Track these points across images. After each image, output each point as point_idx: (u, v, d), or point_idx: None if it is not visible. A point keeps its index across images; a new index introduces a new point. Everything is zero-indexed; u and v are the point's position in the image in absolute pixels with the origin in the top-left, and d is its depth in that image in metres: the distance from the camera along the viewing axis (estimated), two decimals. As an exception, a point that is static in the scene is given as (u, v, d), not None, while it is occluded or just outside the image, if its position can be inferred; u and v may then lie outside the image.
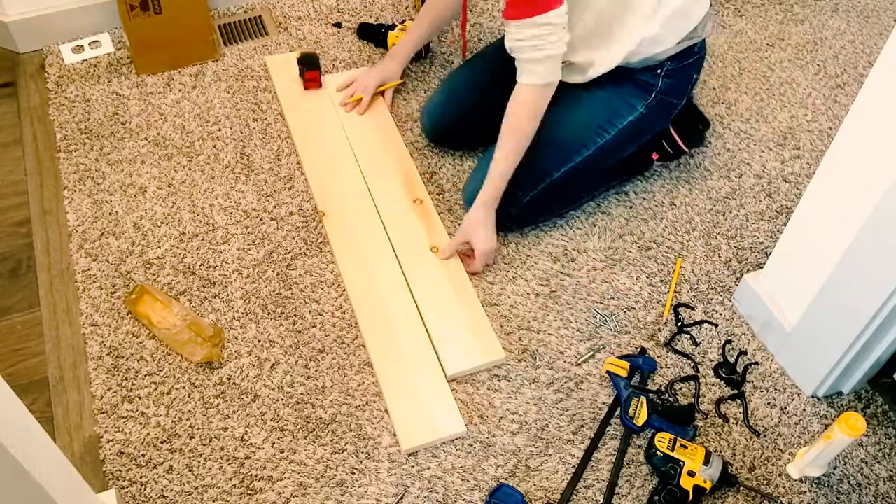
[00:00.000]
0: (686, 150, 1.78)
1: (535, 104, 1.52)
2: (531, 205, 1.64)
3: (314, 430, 1.43)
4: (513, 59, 1.52)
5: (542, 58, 1.45)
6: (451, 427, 1.40)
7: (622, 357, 1.51)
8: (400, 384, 1.46)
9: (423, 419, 1.41)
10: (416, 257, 1.63)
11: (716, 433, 1.43)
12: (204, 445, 1.40)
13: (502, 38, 1.58)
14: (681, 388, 1.49)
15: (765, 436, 1.43)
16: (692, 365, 1.52)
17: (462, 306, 1.56)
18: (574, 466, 1.39)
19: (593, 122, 1.64)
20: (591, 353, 1.54)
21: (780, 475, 1.39)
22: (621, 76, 1.62)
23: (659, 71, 1.62)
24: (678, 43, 1.58)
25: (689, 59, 1.63)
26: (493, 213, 1.60)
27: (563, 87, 1.57)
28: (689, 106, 1.79)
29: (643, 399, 1.43)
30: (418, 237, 1.67)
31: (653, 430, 1.39)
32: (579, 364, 1.52)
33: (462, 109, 1.78)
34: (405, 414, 1.42)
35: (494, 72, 1.69)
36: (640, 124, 1.65)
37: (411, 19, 2.14)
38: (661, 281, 1.65)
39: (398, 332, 1.52)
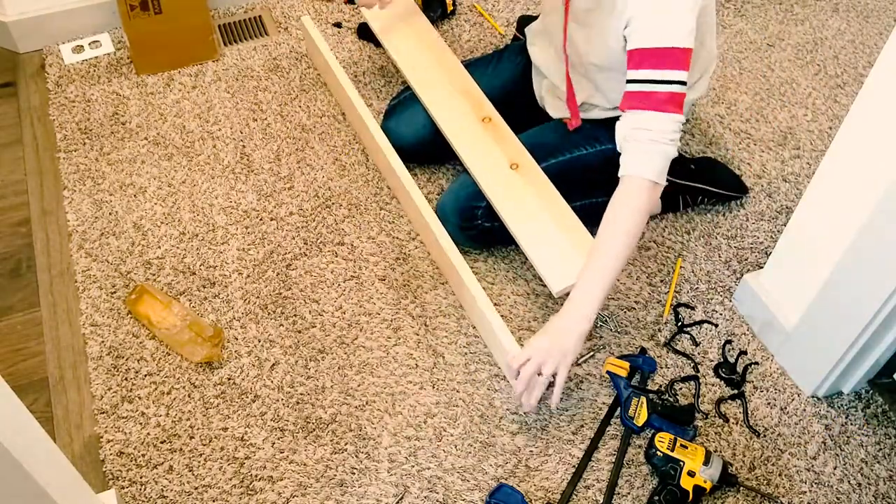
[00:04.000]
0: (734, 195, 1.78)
1: (650, 205, 1.36)
2: None
3: (314, 430, 1.43)
4: None
5: (669, 154, 1.35)
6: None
7: (622, 357, 1.51)
8: (534, 234, 1.52)
9: (565, 262, 1.47)
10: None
11: (716, 433, 1.43)
12: (204, 445, 1.40)
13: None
14: (681, 388, 1.49)
15: (765, 436, 1.43)
16: (692, 365, 1.52)
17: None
18: (574, 466, 1.39)
19: (574, 137, 1.64)
20: (591, 353, 1.54)
21: (780, 475, 1.39)
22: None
23: None
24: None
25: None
26: (581, 332, 1.35)
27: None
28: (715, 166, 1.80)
29: (643, 399, 1.43)
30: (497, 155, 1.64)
31: (653, 430, 1.39)
32: (579, 364, 1.52)
33: (432, 131, 1.74)
34: (547, 259, 1.48)
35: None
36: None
37: (411, 19, 2.15)
38: (661, 281, 1.65)
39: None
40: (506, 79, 1.77)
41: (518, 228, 1.54)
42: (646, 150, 1.34)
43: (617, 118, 1.59)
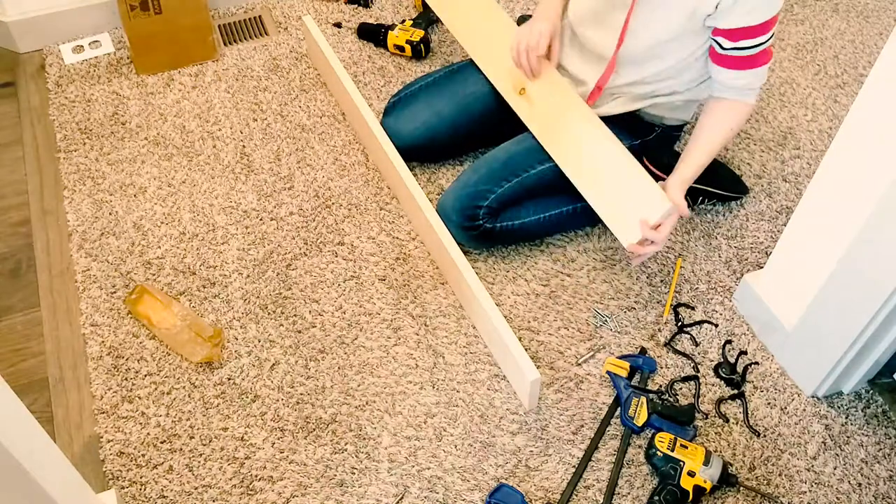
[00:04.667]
0: (733, 196, 1.79)
1: (743, 118, 1.56)
2: (500, 199, 1.62)
3: (314, 430, 1.43)
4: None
5: (761, 85, 1.53)
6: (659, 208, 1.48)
7: (622, 357, 1.51)
8: (602, 193, 1.54)
9: (634, 216, 1.49)
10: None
11: (716, 433, 1.43)
12: (204, 445, 1.40)
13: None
14: (681, 388, 1.49)
15: (765, 436, 1.43)
16: (692, 365, 1.52)
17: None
18: (574, 466, 1.39)
19: None
20: (591, 353, 1.54)
21: (780, 475, 1.39)
22: (621, 119, 1.64)
23: (657, 129, 1.68)
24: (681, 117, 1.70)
25: (676, 129, 1.74)
26: (681, 197, 1.55)
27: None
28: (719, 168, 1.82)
29: (643, 399, 1.43)
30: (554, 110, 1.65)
31: (653, 430, 1.39)
32: (579, 364, 1.52)
33: (431, 130, 1.75)
34: (617, 215, 1.51)
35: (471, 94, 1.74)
36: None
37: (411, 19, 2.15)
38: (661, 281, 1.65)
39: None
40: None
41: (584, 185, 1.56)
42: (745, 95, 1.52)
43: (618, 117, 1.60)
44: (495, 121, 1.75)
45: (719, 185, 1.75)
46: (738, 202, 1.79)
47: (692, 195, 1.74)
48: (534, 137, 1.65)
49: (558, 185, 1.61)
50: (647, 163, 1.70)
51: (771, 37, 1.43)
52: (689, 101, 1.64)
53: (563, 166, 1.60)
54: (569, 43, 1.66)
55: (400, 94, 1.81)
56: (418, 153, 1.80)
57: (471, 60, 1.81)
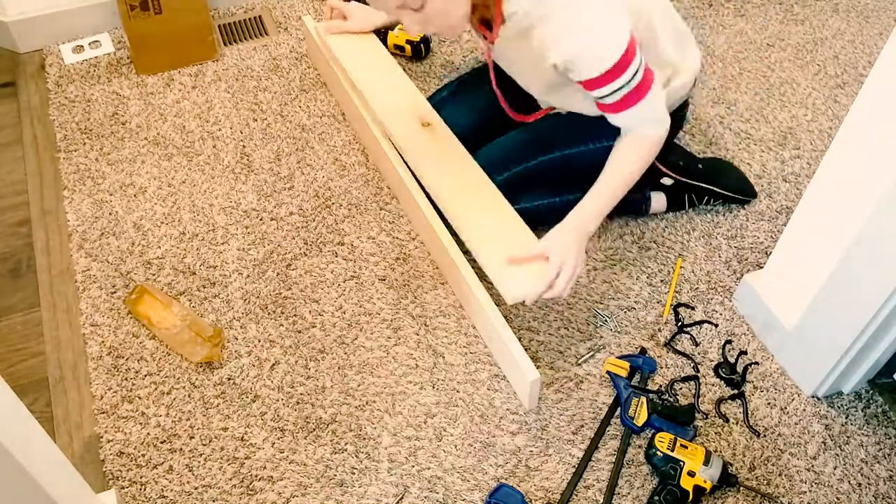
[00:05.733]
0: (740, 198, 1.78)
1: (653, 150, 1.50)
2: (503, 186, 1.60)
3: (314, 430, 1.43)
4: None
5: (661, 112, 1.48)
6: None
7: (622, 357, 1.51)
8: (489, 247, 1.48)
9: (521, 272, 1.42)
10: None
11: (716, 433, 1.43)
12: (204, 445, 1.40)
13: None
14: (681, 388, 1.49)
15: (765, 436, 1.43)
16: (692, 365, 1.52)
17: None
18: (574, 466, 1.39)
19: (579, 132, 1.64)
20: (591, 353, 1.54)
21: (780, 475, 1.39)
22: None
23: None
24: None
25: (675, 117, 1.70)
26: (583, 244, 1.45)
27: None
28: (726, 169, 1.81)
29: (643, 399, 1.43)
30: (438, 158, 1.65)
31: (653, 430, 1.39)
32: (579, 364, 1.52)
33: (482, 128, 1.74)
34: (503, 270, 1.43)
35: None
36: None
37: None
38: (661, 281, 1.65)
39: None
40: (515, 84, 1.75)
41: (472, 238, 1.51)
42: (647, 125, 1.48)
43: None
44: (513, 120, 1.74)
45: (726, 186, 1.75)
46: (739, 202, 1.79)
47: (698, 194, 1.74)
48: (535, 129, 1.65)
49: (562, 175, 1.63)
50: (654, 160, 1.71)
51: (630, 78, 1.38)
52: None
53: (447, 209, 1.57)
54: None
55: (436, 96, 1.79)
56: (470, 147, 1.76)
57: (456, 86, 1.80)
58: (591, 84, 1.39)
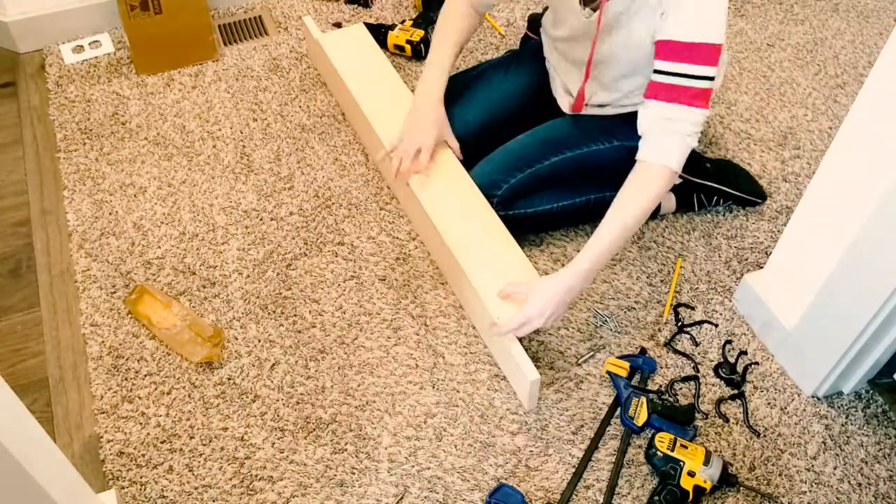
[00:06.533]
0: (753, 199, 1.77)
1: (663, 190, 1.39)
2: (513, 189, 1.62)
3: (314, 430, 1.43)
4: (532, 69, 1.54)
5: (688, 146, 1.37)
6: None
7: (622, 357, 1.51)
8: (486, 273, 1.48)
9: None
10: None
11: (716, 433, 1.43)
12: (204, 445, 1.40)
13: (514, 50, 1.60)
14: (681, 388, 1.49)
15: (765, 436, 1.43)
16: (692, 365, 1.52)
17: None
18: (574, 466, 1.39)
19: (589, 132, 1.64)
20: (591, 353, 1.54)
21: (780, 475, 1.39)
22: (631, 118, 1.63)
23: None
24: None
25: None
26: (567, 296, 1.40)
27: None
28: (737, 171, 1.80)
29: (643, 399, 1.43)
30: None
31: (653, 431, 1.39)
32: (579, 364, 1.52)
33: (491, 126, 1.73)
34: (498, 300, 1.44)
35: (521, 84, 1.73)
36: (634, 152, 1.65)
37: (411, 19, 2.15)
38: (661, 281, 1.65)
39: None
40: (526, 81, 1.75)
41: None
42: (671, 140, 1.36)
43: (630, 114, 1.59)
44: (524, 117, 1.73)
45: (738, 187, 1.74)
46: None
47: (707, 195, 1.74)
48: (546, 131, 1.65)
49: (571, 177, 1.63)
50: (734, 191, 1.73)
51: (700, 76, 1.33)
52: None
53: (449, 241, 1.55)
54: (555, 53, 1.67)
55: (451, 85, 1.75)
56: (479, 144, 1.73)
57: (488, 65, 1.80)
58: (671, 48, 1.33)
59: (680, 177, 1.71)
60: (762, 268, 1.58)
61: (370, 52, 1.91)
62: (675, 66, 1.34)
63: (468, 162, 1.69)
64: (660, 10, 1.36)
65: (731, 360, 1.53)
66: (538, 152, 1.63)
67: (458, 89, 1.76)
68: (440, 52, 1.64)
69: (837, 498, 1.36)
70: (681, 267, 1.67)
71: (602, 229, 1.38)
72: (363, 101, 1.79)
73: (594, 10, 1.46)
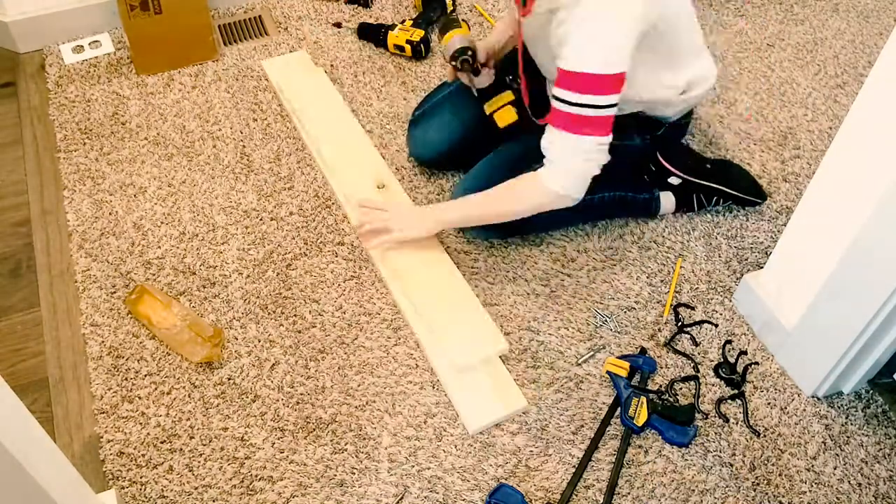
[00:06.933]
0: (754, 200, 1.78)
1: (540, 204, 1.48)
2: None
3: (314, 430, 1.43)
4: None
5: (580, 172, 1.42)
6: (514, 403, 1.43)
7: (622, 357, 1.51)
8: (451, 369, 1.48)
9: (484, 399, 1.44)
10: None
11: (716, 433, 1.43)
12: (204, 445, 1.40)
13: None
14: (681, 388, 1.49)
15: (765, 436, 1.43)
16: (692, 365, 1.52)
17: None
18: (574, 466, 1.39)
19: None
20: (591, 353, 1.54)
21: (780, 475, 1.39)
22: (628, 118, 1.64)
23: (665, 125, 1.68)
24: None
25: (683, 121, 1.72)
26: (429, 225, 1.59)
27: None
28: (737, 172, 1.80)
29: (643, 399, 1.43)
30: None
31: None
32: (579, 364, 1.52)
33: (459, 138, 1.75)
34: (465, 397, 1.44)
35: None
36: (630, 152, 1.65)
37: (411, 19, 2.15)
38: (661, 281, 1.65)
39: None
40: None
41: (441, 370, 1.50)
42: (563, 167, 1.42)
43: (633, 114, 1.59)
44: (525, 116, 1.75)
45: (738, 188, 1.74)
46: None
47: (707, 195, 1.74)
48: (530, 139, 1.66)
49: None
50: (661, 159, 1.71)
51: (590, 105, 1.34)
52: (675, 100, 1.61)
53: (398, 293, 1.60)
54: None
55: (424, 105, 1.80)
56: (447, 163, 1.80)
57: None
58: (563, 77, 1.36)
59: (680, 177, 1.72)
60: (762, 268, 1.58)
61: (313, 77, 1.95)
62: (565, 93, 1.36)
63: (466, 164, 1.71)
64: (559, 33, 1.37)
65: (731, 360, 1.53)
66: (539, 153, 1.63)
67: (458, 90, 1.77)
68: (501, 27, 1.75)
69: (837, 498, 1.36)
70: (681, 267, 1.67)
71: (477, 199, 1.52)
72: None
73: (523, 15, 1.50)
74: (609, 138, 1.39)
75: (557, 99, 1.38)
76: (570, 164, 1.41)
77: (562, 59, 1.36)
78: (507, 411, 1.42)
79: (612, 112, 1.37)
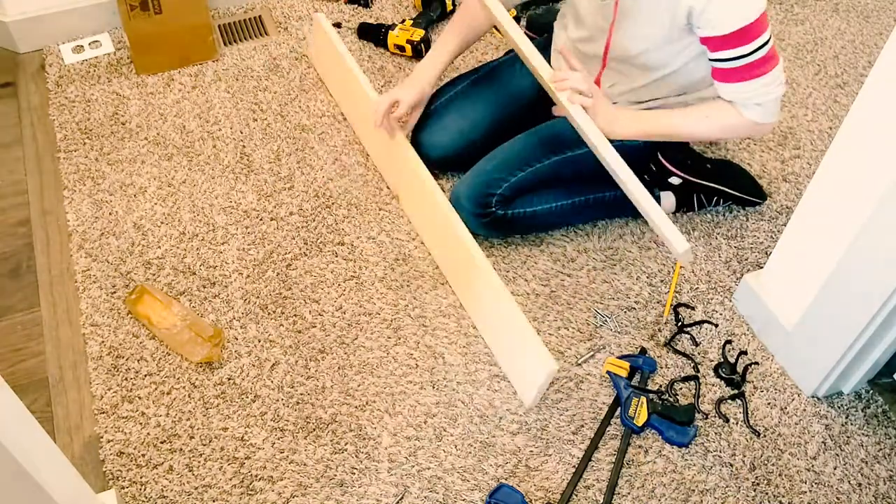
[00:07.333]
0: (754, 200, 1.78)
1: (737, 132, 1.52)
2: (512, 188, 1.61)
3: (314, 430, 1.43)
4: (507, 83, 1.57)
5: (773, 101, 1.44)
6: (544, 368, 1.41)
7: (622, 357, 1.51)
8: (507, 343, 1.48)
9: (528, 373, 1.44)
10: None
11: (716, 433, 1.43)
12: (204, 445, 1.40)
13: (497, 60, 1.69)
14: (681, 388, 1.49)
15: (765, 436, 1.43)
16: (692, 365, 1.52)
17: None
18: (574, 466, 1.39)
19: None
20: (591, 353, 1.54)
21: (780, 475, 1.39)
22: None
23: None
24: None
25: None
26: (617, 127, 1.50)
27: None
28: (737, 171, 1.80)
29: (643, 399, 1.43)
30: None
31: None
32: (579, 364, 1.52)
33: (466, 139, 1.74)
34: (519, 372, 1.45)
35: (497, 96, 1.74)
36: (631, 152, 1.64)
37: (411, 19, 2.15)
38: (661, 281, 1.65)
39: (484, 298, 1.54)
40: (532, 80, 1.74)
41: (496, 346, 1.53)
42: (755, 104, 1.43)
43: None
44: (531, 116, 1.73)
45: (738, 187, 1.74)
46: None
47: (707, 195, 1.73)
48: (550, 128, 1.65)
49: (571, 177, 1.63)
50: (661, 159, 1.71)
51: (757, 48, 1.36)
52: (700, 99, 1.62)
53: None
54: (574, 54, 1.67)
55: (429, 106, 1.78)
56: (453, 164, 1.79)
57: (504, 59, 1.80)
58: (718, 42, 1.36)
59: (680, 177, 1.72)
60: (762, 268, 1.58)
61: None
62: (730, 52, 1.38)
63: (472, 164, 1.70)
64: (683, 5, 1.36)
65: (731, 360, 1.53)
66: (539, 151, 1.63)
67: (465, 90, 1.77)
68: (443, 40, 1.70)
69: (837, 498, 1.36)
70: (681, 267, 1.67)
71: (672, 119, 1.50)
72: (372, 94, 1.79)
73: None
74: (780, 61, 1.41)
75: (724, 60, 1.39)
76: (761, 100, 1.42)
77: (713, 25, 1.35)
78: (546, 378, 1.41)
79: (772, 41, 1.39)
